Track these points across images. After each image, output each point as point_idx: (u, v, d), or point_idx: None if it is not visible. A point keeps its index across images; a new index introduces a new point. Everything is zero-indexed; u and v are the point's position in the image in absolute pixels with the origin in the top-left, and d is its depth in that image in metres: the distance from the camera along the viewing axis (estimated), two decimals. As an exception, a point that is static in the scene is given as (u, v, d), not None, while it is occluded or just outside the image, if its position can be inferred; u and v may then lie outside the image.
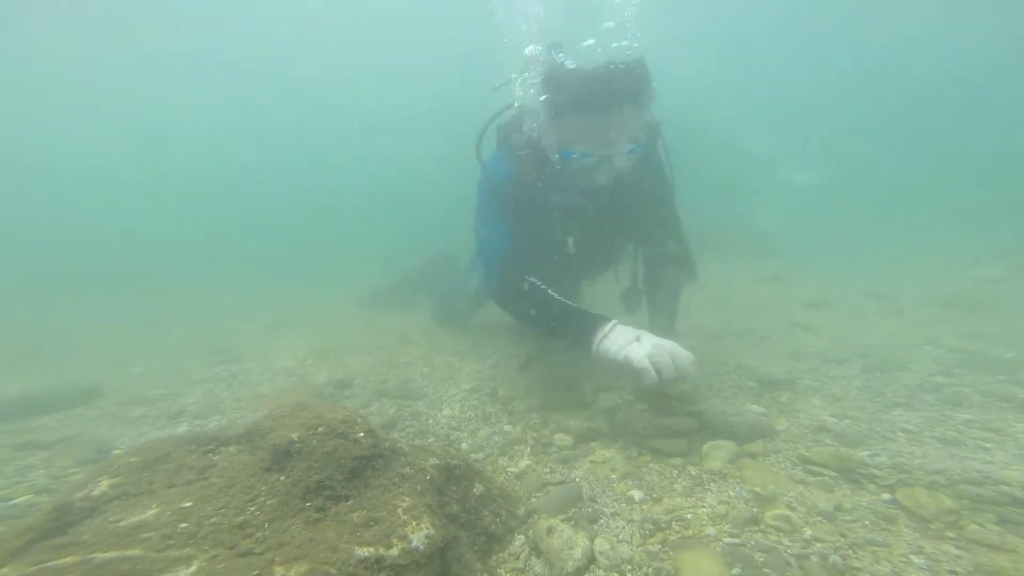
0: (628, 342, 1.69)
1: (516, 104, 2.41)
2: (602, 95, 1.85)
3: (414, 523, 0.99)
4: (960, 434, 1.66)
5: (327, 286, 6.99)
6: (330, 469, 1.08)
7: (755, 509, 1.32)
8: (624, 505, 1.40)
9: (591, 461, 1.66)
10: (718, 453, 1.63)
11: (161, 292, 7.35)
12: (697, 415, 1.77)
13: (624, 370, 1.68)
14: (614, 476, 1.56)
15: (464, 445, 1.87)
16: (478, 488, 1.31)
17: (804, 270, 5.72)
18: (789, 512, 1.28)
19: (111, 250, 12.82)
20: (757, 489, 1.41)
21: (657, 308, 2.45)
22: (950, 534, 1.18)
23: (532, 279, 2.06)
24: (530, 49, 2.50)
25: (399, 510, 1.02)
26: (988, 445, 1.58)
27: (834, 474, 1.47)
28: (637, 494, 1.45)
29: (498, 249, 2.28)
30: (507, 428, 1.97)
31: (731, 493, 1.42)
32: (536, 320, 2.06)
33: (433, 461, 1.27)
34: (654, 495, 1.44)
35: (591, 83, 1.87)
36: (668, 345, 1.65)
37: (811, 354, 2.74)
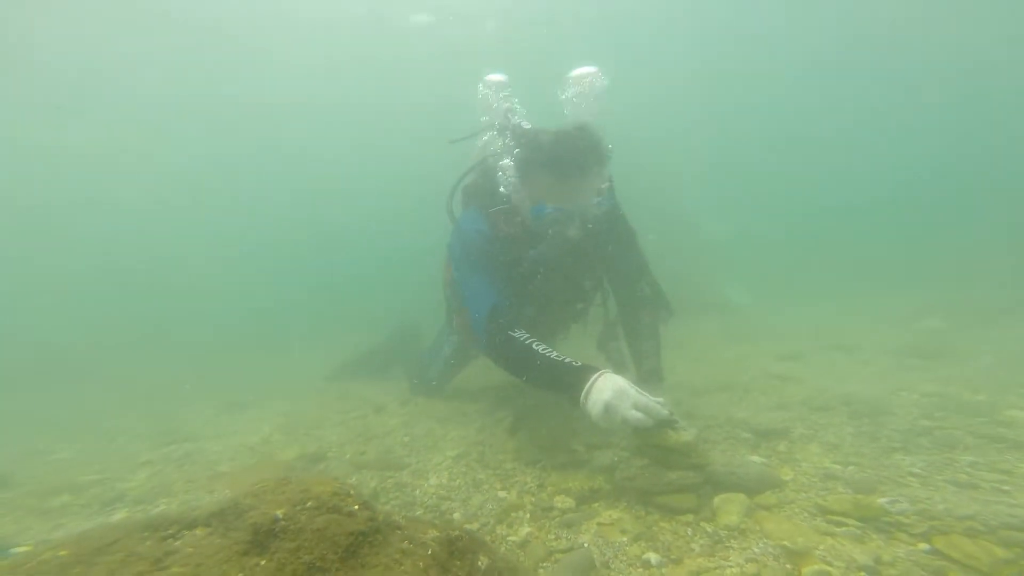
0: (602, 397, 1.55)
1: (482, 162, 2.58)
2: (574, 156, 2.05)
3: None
4: (971, 476, 1.61)
5: (287, 366, 6.52)
6: (322, 548, 0.92)
7: (788, 566, 1.19)
8: (641, 570, 1.24)
9: (598, 523, 1.49)
10: (731, 507, 1.50)
11: (85, 380, 6.50)
12: (700, 468, 1.64)
13: (616, 425, 1.56)
14: (625, 538, 1.39)
15: (456, 515, 1.66)
16: (483, 561, 1.13)
17: (768, 327, 5.92)
18: (827, 567, 1.16)
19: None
20: (786, 543, 1.28)
21: (640, 353, 2.45)
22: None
23: (518, 332, 1.98)
24: (489, 116, 2.76)
25: (403, 591, 0.83)
26: (1006, 488, 1.52)
27: (859, 523, 1.37)
28: (654, 557, 1.29)
29: (484, 303, 2.21)
30: (501, 494, 1.77)
31: (756, 549, 1.28)
32: (524, 374, 1.94)
33: (433, 533, 1.10)
34: (672, 556, 1.29)
35: (562, 145, 2.06)
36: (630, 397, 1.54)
37: (797, 403, 2.72)
